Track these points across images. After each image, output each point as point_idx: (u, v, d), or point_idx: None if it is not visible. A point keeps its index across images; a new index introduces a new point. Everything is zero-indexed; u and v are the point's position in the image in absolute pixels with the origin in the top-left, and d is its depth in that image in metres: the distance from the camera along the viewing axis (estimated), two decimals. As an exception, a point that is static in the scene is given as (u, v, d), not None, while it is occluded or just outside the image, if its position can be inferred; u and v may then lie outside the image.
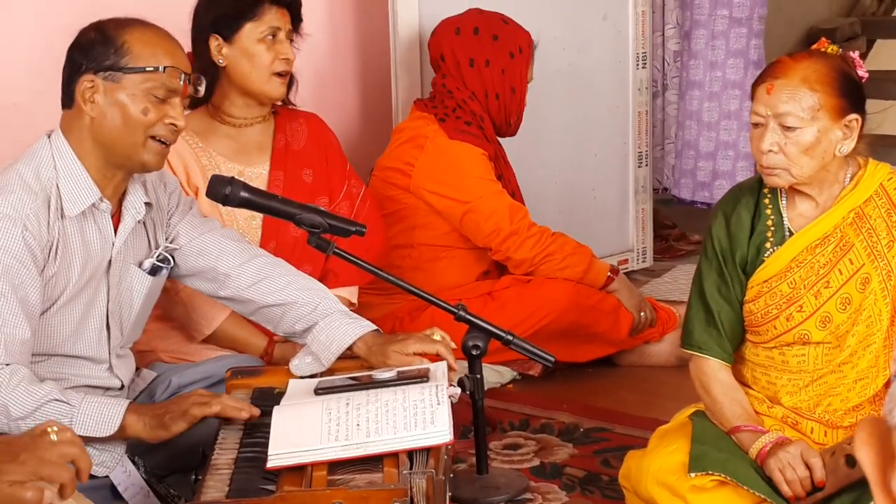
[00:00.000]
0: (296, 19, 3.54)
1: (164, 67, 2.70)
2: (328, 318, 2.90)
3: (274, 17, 3.45)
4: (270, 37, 3.45)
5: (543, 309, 3.97)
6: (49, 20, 3.77)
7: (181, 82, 2.73)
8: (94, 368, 2.85)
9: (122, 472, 2.74)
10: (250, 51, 3.45)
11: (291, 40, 3.52)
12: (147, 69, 2.70)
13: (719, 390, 2.91)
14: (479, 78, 4.06)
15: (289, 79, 3.54)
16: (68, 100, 2.75)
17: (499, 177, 4.09)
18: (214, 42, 3.46)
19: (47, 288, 2.71)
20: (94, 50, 2.71)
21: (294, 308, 2.94)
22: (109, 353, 2.87)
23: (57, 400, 2.60)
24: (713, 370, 2.92)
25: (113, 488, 2.73)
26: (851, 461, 2.69)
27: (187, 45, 3.38)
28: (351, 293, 3.64)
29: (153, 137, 2.73)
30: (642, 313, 4.09)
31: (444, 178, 3.99)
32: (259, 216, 3.49)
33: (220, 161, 3.49)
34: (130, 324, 2.92)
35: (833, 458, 2.73)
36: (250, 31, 3.45)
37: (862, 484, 2.70)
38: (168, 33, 2.81)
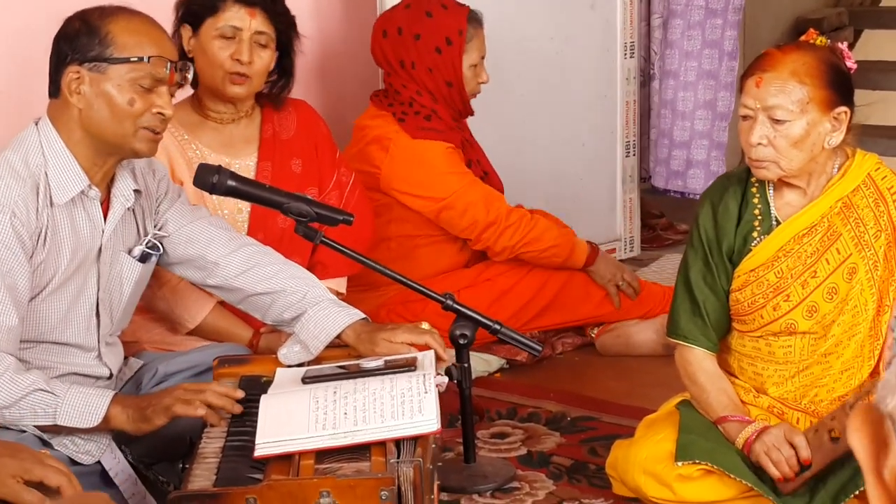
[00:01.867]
0: (278, 23, 3.43)
1: (149, 57, 2.69)
2: (317, 306, 2.89)
3: (235, 16, 3.37)
4: (230, 36, 3.37)
5: (551, 280, 4.07)
6: (34, 6, 3.76)
7: (167, 71, 2.71)
8: (83, 356, 2.85)
9: (112, 458, 2.74)
10: (206, 45, 3.38)
11: (265, 45, 3.40)
12: (132, 59, 2.68)
13: (705, 379, 2.91)
14: (412, 78, 4.02)
15: (258, 82, 3.43)
16: (55, 89, 2.74)
17: (468, 162, 4.08)
18: (186, 32, 3.43)
19: (36, 275, 2.71)
20: (79, 41, 2.69)
21: (283, 296, 2.93)
22: (98, 341, 2.87)
23: (41, 390, 2.60)
24: (698, 359, 2.93)
25: (100, 475, 2.72)
26: (835, 437, 2.69)
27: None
28: (339, 284, 3.63)
29: (143, 127, 2.72)
30: (619, 283, 4.13)
31: (413, 178, 3.97)
32: (246, 209, 3.47)
33: (206, 153, 3.47)
34: (120, 311, 2.92)
35: (816, 435, 2.74)
36: (209, 26, 3.38)
37: (849, 468, 2.71)
38: (153, 21, 2.78)
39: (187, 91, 3.41)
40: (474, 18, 4.06)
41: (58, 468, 2.27)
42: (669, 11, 5.14)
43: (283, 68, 3.53)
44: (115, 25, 2.70)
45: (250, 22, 3.38)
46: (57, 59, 2.73)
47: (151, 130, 2.73)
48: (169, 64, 2.71)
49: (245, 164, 3.48)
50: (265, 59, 3.43)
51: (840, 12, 6.79)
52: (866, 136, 5.40)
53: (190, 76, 2.82)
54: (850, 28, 6.75)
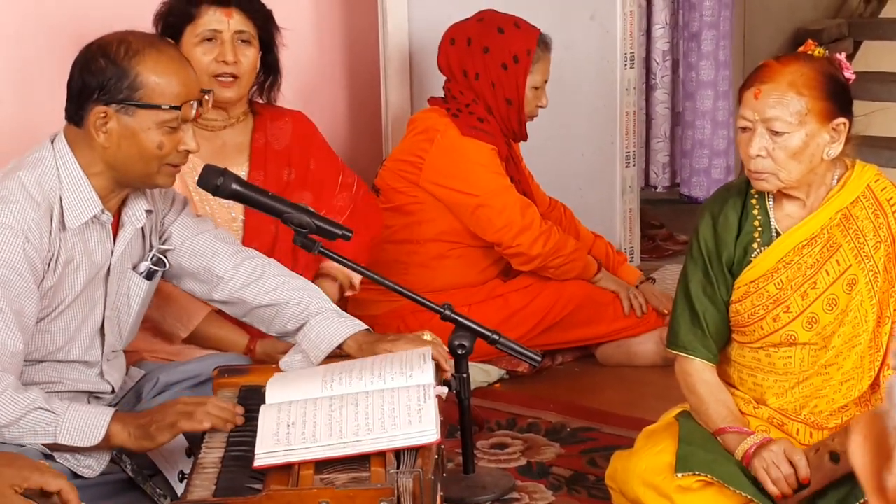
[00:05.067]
0: (256, 18, 3.46)
1: (181, 105, 2.68)
2: (319, 316, 2.89)
3: (212, 19, 3.40)
4: (210, 39, 3.39)
5: (562, 300, 4.09)
6: (32, 13, 3.76)
7: (194, 111, 2.71)
8: (86, 373, 2.84)
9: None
10: (190, 53, 3.37)
11: (247, 42, 3.43)
12: (163, 107, 2.67)
13: (704, 391, 2.91)
14: (472, 88, 4.05)
15: (247, 80, 3.46)
16: (78, 119, 2.71)
17: (509, 179, 4.09)
18: None
19: (46, 298, 2.70)
20: (107, 81, 2.66)
21: (286, 308, 2.93)
22: (102, 358, 2.86)
23: (41, 409, 2.59)
24: (698, 371, 2.93)
25: (102, 486, 2.72)
26: (835, 457, 2.70)
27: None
28: (355, 274, 3.61)
29: (167, 164, 2.72)
30: (630, 292, 4.18)
31: (454, 172, 3.99)
32: (240, 217, 3.48)
33: (197, 163, 3.46)
34: (128, 328, 2.91)
35: (817, 455, 2.74)
36: (189, 34, 3.41)
37: (849, 480, 2.71)
38: (179, 56, 2.77)
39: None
40: (544, 42, 4.10)
41: (55, 474, 2.26)
42: (702, 23, 5.29)
43: (268, 65, 3.54)
44: (143, 66, 2.67)
45: (228, 22, 3.42)
46: (81, 92, 2.69)
47: (174, 165, 2.74)
48: (195, 104, 2.71)
49: (237, 173, 3.47)
50: (250, 57, 3.45)
51: (839, 23, 6.80)
52: (866, 147, 5.40)
53: (210, 101, 2.83)
54: (849, 39, 6.76)
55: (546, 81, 4.13)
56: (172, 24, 3.43)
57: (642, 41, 5.51)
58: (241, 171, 3.49)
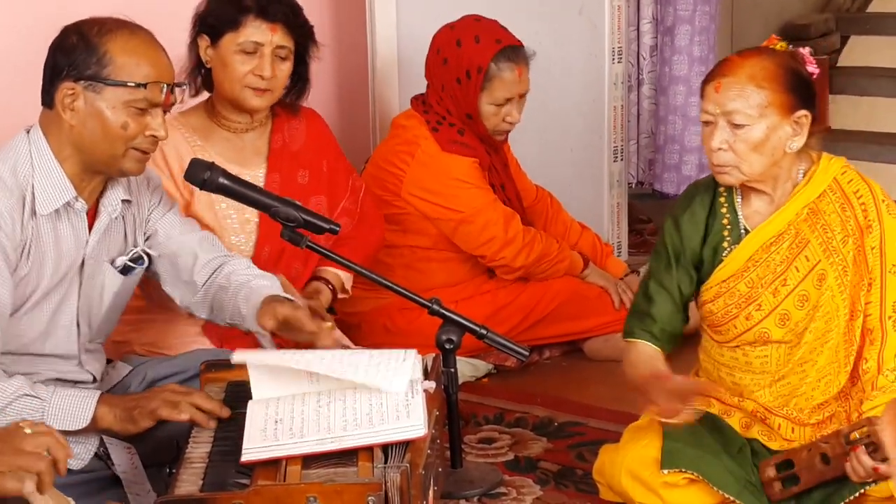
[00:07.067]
0: (298, 35, 3.45)
1: (147, 84, 2.67)
2: (251, 283, 2.96)
3: (256, 32, 3.38)
4: (251, 51, 3.38)
5: (548, 295, 4.10)
6: (26, 9, 3.75)
7: (163, 94, 2.70)
8: (65, 364, 2.84)
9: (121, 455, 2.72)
10: (226, 59, 3.39)
11: (285, 57, 3.41)
12: (129, 84, 2.66)
13: (637, 359, 2.91)
14: (441, 99, 4.03)
15: (279, 93, 3.46)
16: (48, 100, 2.71)
17: (491, 187, 4.07)
18: (203, 42, 3.44)
19: (19, 287, 2.69)
20: (76, 57, 2.66)
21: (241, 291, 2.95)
22: (79, 350, 2.85)
23: (27, 395, 2.59)
24: (638, 349, 2.93)
25: (88, 483, 2.71)
26: (826, 459, 2.71)
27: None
28: (347, 278, 3.63)
29: (133, 148, 2.71)
30: (618, 287, 4.20)
31: (436, 188, 3.97)
32: (254, 219, 3.46)
33: (217, 161, 3.45)
34: (99, 321, 2.90)
35: (809, 455, 2.76)
36: (229, 40, 3.39)
37: (835, 482, 2.73)
38: (151, 40, 2.76)
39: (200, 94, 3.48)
40: (508, 58, 3.96)
41: (34, 455, 2.21)
42: (676, 17, 5.23)
43: (299, 74, 3.54)
44: (114, 45, 2.67)
45: (272, 37, 3.39)
46: (52, 71, 2.70)
47: (141, 151, 2.72)
48: (165, 87, 2.70)
49: (255, 175, 3.47)
50: (285, 71, 3.45)
51: (827, 18, 6.81)
52: (853, 142, 5.41)
53: (185, 96, 2.82)
54: (836, 34, 6.77)
55: (510, 99, 3.98)
56: (213, 26, 3.41)
57: (633, 36, 5.51)
58: (259, 172, 3.50)
